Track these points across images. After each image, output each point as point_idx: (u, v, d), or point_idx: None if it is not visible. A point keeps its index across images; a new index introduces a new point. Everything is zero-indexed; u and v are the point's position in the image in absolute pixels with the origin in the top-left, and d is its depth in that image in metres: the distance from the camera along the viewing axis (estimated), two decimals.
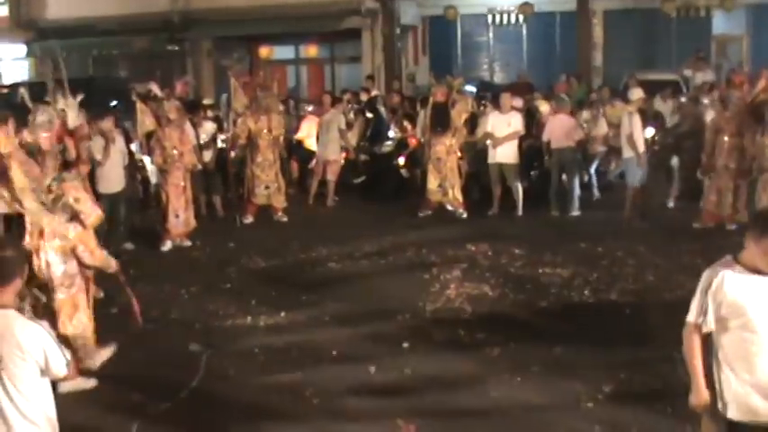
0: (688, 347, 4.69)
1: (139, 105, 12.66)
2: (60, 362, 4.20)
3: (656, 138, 14.01)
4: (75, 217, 7.36)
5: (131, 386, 7.36)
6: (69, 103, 11.15)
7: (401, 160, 15.55)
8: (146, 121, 12.45)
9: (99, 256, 7.54)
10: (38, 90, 12.70)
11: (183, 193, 12.45)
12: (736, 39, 25.35)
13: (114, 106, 12.98)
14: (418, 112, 15.36)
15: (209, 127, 14.44)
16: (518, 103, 15.19)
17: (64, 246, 7.33)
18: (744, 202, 12.33)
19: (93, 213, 7.47)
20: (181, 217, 12.39)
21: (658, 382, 7.05)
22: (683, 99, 15.25)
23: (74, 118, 11.00)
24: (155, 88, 13.26)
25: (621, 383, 7.06)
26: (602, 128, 14.61)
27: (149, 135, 12.47)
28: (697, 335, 4.64)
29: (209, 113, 15.35)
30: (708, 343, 4.64)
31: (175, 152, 12.30)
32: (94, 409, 6.93)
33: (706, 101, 14.29)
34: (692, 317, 4.68)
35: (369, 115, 16.81)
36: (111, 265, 7.64)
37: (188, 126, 13.29)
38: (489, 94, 17.21)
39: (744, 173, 12.16)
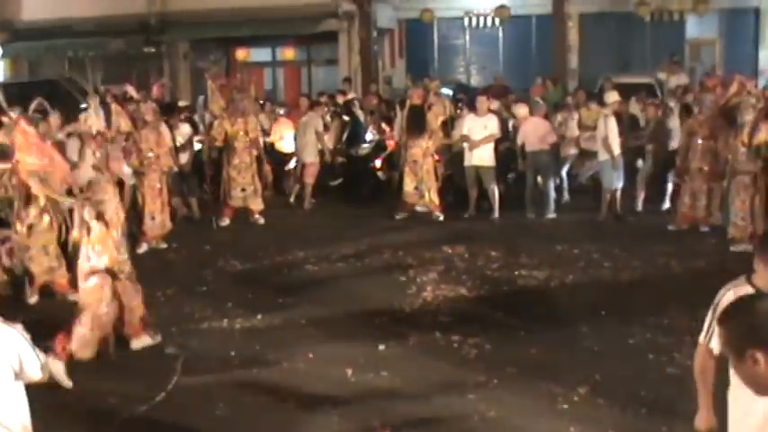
0: (697, 368, 4.55)
1: (114, 107, 12.58)
2: (35, 365, 4.17)
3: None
4: (100, 217, 7.65)
5: (107, 389, 7.32)
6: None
7: (378, 163, 15.57)
8: (121, 122, 12.38)
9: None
10: (13, 91, 12.61)
11: (159, 195, 12.41)
12: (710, 42, 25.61)
13: (85, 108, 12.82)
14: (396, 115, 15.39)
15: (185, 129, 14.41)
16: (494, 105, 15.26)
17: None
18: (717, 205, 12.44)
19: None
20: (157, 219, 12.35)
21: (633, 383, 7.09)
22: (649, 102, 15.36)
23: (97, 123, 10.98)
24: (131, 90, 13.23)
25: (597, 384, 7.10)
26: (574, 131, 14.71)
27: (126, 135, 12.41)
28: (708, 355, 4.49)
29: (184, 115, 15.31)
30: (720, 364, 4.34)
31: (151, 154, 12.26)
32: (69, 413, 6.89)
33: (671, 104, 14.39)
34: (702, 337, 4.55)
35: (345, 118, 16.81)
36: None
37: (164, 128, 13.23)
38: (465, 97, 17.26)
39: (717, 175, 12.26)
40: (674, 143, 13.78)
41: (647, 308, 9.10)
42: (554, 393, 6.93)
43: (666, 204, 14.00)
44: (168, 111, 14.40)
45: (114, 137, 9.11)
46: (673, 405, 6.63)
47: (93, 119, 9.03)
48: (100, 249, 7.80)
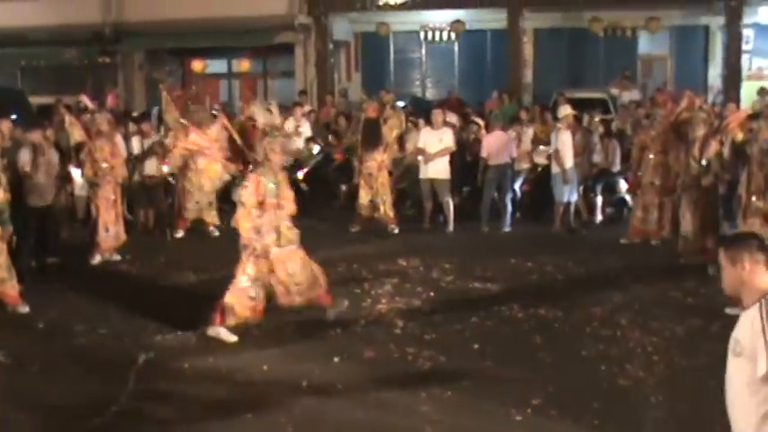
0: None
1: (68, 118, 12.50)
2: None
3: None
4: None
5: (60, 401, 7.25)
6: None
7: (300, 174, 15.49)
8: (75, 133, 12.29)
9: None
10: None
11: (114, 206, 12.30)
12: (661, 59, 25.96)
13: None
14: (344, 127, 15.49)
15: (150, 138, 14.23)
16: (452, 118, 15.35)
17: None
18: (668, 219, 12.62)
19: None
20: (111, 231, 12.23)
21: (586, 394, 7.16)
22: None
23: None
24: (86, 100, 13.08)
25: (550, 396, 7.15)
26: (527, 145, 14.81)
27: (78, 147, 12.32)
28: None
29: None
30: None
31: (106, 165, 12.16)
32: (24, 426, 6.81)
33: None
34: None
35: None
36: None
37: (119, 139, 13.14)
38: (418, 111, 17.34)
39: (668, 190, 12.43)
40: (597, 157, 14.41)
41: (600, 320, 9.20)
42: (508, 405, 6.97)
43: (599, 217, 14.25)
44: (121, 120, 14.29)
45: None
46: (624, 416, 6.72)
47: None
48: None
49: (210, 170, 9.66)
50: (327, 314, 9.21)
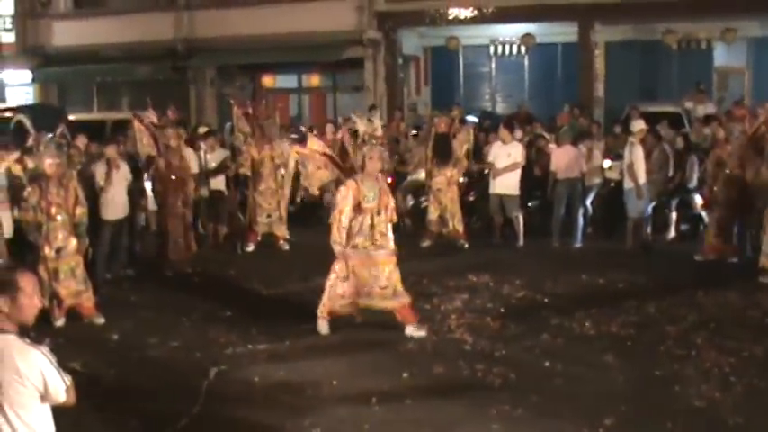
0: None
1: (137, 124, 12.70)
2: (60, 387, 4.20)
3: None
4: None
5: (131, 413, 7.33)
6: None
7: None
8: (144, 142, 12.50)
9: None
10: (41, 116, 12.79)
11: (183, 219, 12.46)
12: (737, 71, 25.42)
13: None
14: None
15: (219, 153, 14.38)
16: (518, 134, 15.22)
17: None
18: (746, 236, 12.34)
19: None
20: (180, 243, 12.40)
21: (659, 414, 7.02)
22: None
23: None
24: (152, 116, 13.26)
25: (623, 415, 7.01)
26: (598, 160, 14.55)
27: (149, 161, 12.52)
28: None
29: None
30: None
31: (174, 178, 12.32)
32: None
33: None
34: None
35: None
36: None
37: (189, 153, 13.33)
38: (491, 125, 17.28)
39: (746, 206, 12.16)
40: (670, 170, 14.08)
41: (674, 339, 9.01)
42: (579, 424, 6.86)
43: (672, 234, 13.99)
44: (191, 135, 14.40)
45: None
46: None
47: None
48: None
49: (317, 176, 10.15)
50: (407, 330, 9.28)
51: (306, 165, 10.37)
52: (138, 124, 12.73)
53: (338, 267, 9.31)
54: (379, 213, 9.24)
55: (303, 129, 11.67)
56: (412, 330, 9.27)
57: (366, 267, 9.26)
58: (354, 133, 10.02)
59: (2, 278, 4.21)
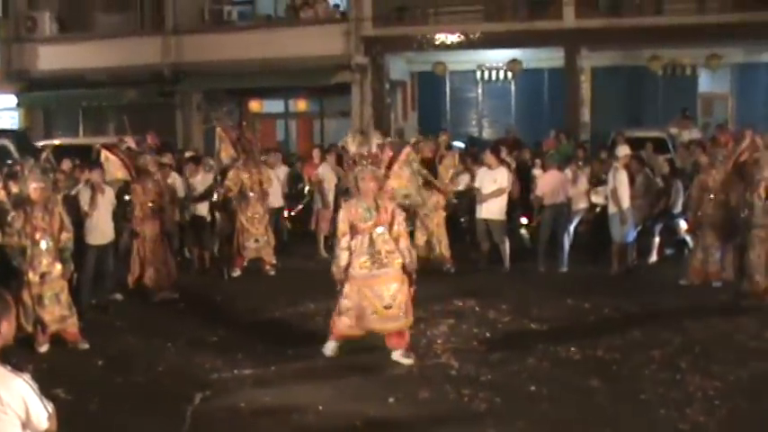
0: None
1: (104, 153, 12.49)
2: (42, 415, 4.17)
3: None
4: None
5: None
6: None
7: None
8: (117, 173, 12.35)
9: None
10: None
11: (161, 245, 12.40)
12: (722, 97, 25.62)
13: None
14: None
15: (206, 179, 14.36)
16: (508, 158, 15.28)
17: None
18: (730, 260, 12.40)
19: None
20: (161, 270, 12.35)
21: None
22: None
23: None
24: (130, 141, 13.18)
25: None
26: (583, 185, 14.54)
27: (125, 185, 12.40)
28: None
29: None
30: None
31: (152, 205, 12.28)
32: None
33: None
34: None
35: None
36: None
37: (174, 178, 13.32)
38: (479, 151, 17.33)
39: (730, 231, 12.22)
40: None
41: (659, 363, 9.02)
42: None
43: (653, 258, 14.05)
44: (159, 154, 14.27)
45: None
46: None
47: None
48: None
49: None
50: (393, 355, 9.24)
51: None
52: (105, 153, 12.53)
53: (346, 289, 9.29)
54: (378, 230, 9.16)
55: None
56: (398, 356, 9.21)
57: (369, 288, 9.18)
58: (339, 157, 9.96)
59: None
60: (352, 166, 9.45)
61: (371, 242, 9.15)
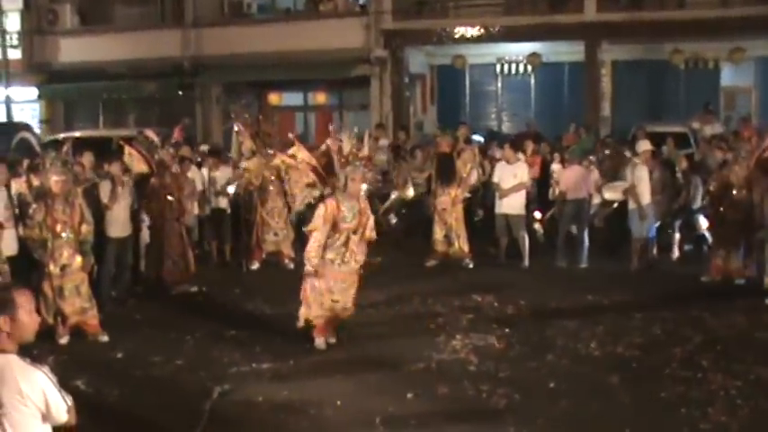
0: None
1: (127, 149, 12.50)
2: (61, 407, 4.18)
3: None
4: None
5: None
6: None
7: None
8: (135, 165, 12.36)
9: None
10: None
11: (180, 239, 12.41)
12: (745, 91, 25.39)
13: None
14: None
15: (225, 172, 14.38)
16: (520, 154, 15.15)
17: None
18: (753, 257, 12.28)
19: None
20: (179, 263, 12.35)
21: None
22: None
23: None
24: (151, 135, 13.17)
25: None
26: (596, 180, 14.40)
27: (143, 179, 12.39)
28: None
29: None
30: None
31: (171, 199, 12.28)
32: None
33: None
34: None
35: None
36: None
37: (193, 171, 13.32)
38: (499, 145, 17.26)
39: (753, 227, 12.11)
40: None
41: (679, 361, 8.96)
42: None
43: (676, 254, 13.94)
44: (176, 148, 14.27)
45: None
46: None
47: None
48: None
49: (300, 183, 10.30)
50: (316, 343, 9.57)
51: (290, 173, 10.65)
52: (128, 149, 12.53)
53: (308, 283, 9.52)
54: (355, 233, 9.45)
55: (291, 135, 11.53)
56: (318, 342, 9.59)
57: (324, 279, 9.44)
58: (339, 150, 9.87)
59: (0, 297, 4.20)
60: (343, 164, 9.50)
61: (346, 243, 9.43)
